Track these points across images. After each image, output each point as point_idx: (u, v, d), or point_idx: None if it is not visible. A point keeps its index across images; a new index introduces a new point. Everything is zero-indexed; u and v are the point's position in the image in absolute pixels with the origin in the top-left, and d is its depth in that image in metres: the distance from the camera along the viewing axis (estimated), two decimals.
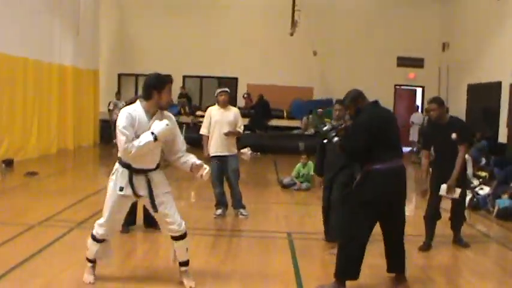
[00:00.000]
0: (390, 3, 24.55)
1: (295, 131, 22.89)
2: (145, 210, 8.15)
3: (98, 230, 5.83)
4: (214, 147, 9.41)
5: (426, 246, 8.13)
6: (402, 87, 26.00)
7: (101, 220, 5.81)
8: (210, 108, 9.64)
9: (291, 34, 22.03)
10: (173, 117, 5.93)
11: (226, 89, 9.64)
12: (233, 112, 9.58)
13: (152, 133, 5.45)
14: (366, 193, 5.92)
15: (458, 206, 8.27)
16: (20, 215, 9.19)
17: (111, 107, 21.45)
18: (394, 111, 24.46)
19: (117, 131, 5.49)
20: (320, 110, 21.18)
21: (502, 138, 18.01)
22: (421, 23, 24.62)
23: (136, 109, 5.61)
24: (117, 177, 5.67)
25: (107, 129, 21.60)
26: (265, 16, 23.92)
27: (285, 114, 23.90)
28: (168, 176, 6.09)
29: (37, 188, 12.35)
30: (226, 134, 9.32)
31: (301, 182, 12.90)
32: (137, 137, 5.48)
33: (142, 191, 5.68)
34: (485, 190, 11.85)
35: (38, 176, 13.48)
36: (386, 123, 6.19)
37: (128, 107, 5.74)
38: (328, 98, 22.20)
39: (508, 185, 11.43)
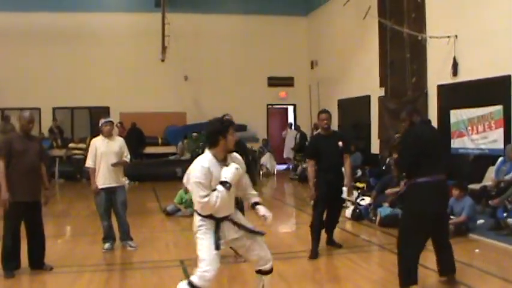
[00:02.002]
0: (257, 25, 25.07)
1: (172, 157, 22.72)
2: (29, 250, 7.81)
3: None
4: (103, 179, 9.11)
5: (315, 255, 8.61)
6: (274, 106, 26.50)
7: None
8: (94, 140, 9.34)
9: (162, 60, 21.96)
10: (239, 156, 5.86)
11: (111, 119, 9.43)
12: (118, 142, 9.38)
13: (225, 182, 5.30)
14: (413, 205, 6.48)
15: (337, 210, 9.25)
16: None
17: None
18: (267, 130, 25.05)
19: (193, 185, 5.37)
20: (195, 134, 21.16)
21: (374, 149, 18.80)
22: (289, 43, 25.44)
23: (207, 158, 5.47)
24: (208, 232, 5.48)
25: None
26: (135, 43, 23.66)
27: (159, 140, 23.67)
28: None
29: None
30: (114, 165, 9.08)
31: (185, 208, 12.74)
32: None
33: (233, 234, 5.63)
34: (366, 200, 12.32)
35: None
36: (432, 141, 6.63)
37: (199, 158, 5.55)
38: (202, 122, 22.23)
39: (385, 194, 11.84)
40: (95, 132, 22.96)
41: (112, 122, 9.41)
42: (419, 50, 16.05)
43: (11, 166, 7.47)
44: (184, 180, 5.34)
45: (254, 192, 5.98)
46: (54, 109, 23.73)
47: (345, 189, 9.24)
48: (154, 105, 23.67)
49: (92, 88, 23.46)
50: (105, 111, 23.76)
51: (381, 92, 18.51)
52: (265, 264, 5.80)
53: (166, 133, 23.69)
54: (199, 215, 5.48)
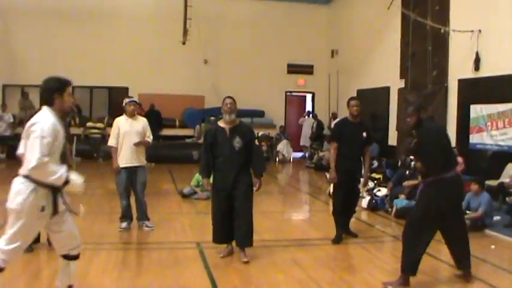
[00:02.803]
0: (280, 12, 25.06)
1: (189, 140, 22.79)
2: None
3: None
4: (124, 159, 9.20)
5: (338, 239, 8.81)
6: (293, 93, 26.48)
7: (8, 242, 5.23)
8: (117, 119, 9.40)
9: (183, 43, 21.98)
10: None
11: (135, 99, 9.49)
12: (142, 122, 9.45)
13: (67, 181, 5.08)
14: (432, 199, 6.49)
15: (353, 199, 9.33)
16: None
17: None
18: (285, 117, 25.07)
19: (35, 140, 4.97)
20: (212, 118, 21.13)
21: (392, 141, 18.74)
22: (310, 31, 25.39)
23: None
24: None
25: None
26: (156, 25, 23.65)
27: (177, 123, 23.72)
28: None
29: None
30: (136, 145, 9.15)
31: (201, 191, 12.79)
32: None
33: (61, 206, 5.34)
34: (383, 191, 12.28)
35: None
36: (445, 138, 6.82)
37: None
38: (220, 106, 22.21)
39: (401, 186, 11.82)
40: (113, 111, 23.29)
41: (136, 102, 9.45)
42: (441, 43, 15.94)
43: None
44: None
45: None
46: (73, 88, 23.67)
47: (362, 180, 9.31)
48: (173, 88, 23.71)
49: (112, 68, 23.51)
50: (124, 91, 23.91)
51: (401, 83, 18.42)
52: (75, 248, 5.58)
53: (184, 116, 23.72)
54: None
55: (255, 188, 7.73)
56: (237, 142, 7.56)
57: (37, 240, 7.77)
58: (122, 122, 9.31)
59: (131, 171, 9.29)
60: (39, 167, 4.87)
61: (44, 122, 5.02)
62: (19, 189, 5.00)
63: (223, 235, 7.77)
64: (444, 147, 6.61)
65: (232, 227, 7.66)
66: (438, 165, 6.49)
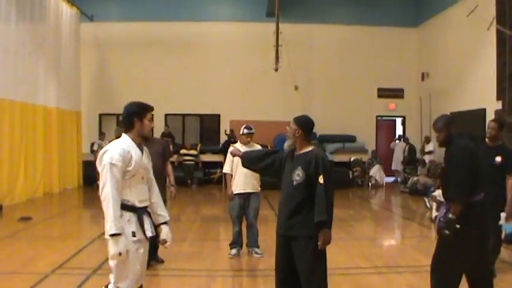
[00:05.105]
0: (368, 36, 24.94)
1: None
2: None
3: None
4: (239, 185, 9.33)
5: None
6: (383, 118, 26.22)
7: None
8: (232, 146, 9.47)
9: (276, 69, 22.11)
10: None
11: (253, 131, 9.63)
12: (257, 149, 9.48)
13: (118, 234, 4.84)
14: (467, 225, 5.70)
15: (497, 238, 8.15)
16: (29, 263, 8.87)
17: (95, 148, 21.21)
18: (376, 142, 24.81)
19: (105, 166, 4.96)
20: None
21: None
22: (399, 54, 25.17)
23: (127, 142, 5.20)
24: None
25: (90, 171, 21.41)
26: (246, 52, 24.08)
27: (269, 148, 23.79)
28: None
29: (35, 234, 11.96)
30: None
31: None
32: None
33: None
34: None
35: (33, 220, 13.16)
36: (478, 157, 6.04)
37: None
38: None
39: None
40: (205, 138, 23.60)
41: (252, 133, 9.62)
42: None
43: None
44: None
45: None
46: (166, 115, 24.33)
47: (503, 214, 7.94)
48: (264, 114, 23.85)
49: (204, 95, 24.06)
50: (215, 118, 24.31)
51: (498, 105, 17.92)
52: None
53: (276, 141, 23.81)
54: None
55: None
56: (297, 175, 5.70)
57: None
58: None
59: (244, 197, 9.38)
60: (106, 198, 4.86)
61: (113, 148, 5.01)
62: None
63: None
64: (478, 167, 5.91)
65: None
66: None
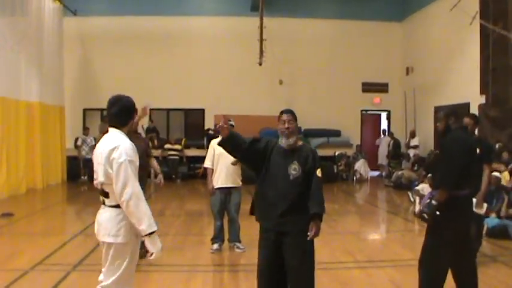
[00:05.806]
0: (353, 30, 24.99)
1: None
2: None
3: None
4: (220, 180, 9.29)
5: None
6: (368, 112, 26.24)
7: None
8: (213, 141, 9.45)
9: (260, 64, 22.06)
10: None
11: (232, 123, 9.52)
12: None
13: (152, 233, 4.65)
14: (453, 219, 5.90)
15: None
16: (9, 259, 8.77)
17: (79, 143, 21.12)
18: (361, 136, 24.84)
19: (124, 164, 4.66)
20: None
21: None
22: (384, 48, 25.23)
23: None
24: None
25: (74, 167, 21.28)
26: (231, 47, 24.04)
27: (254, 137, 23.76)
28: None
29: (17, 230, 11.86)
30: (234, 163, 9.12)
31: None
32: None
33: None
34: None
35: (14, 217, 13.04)
36: (472, 152, 6.18)
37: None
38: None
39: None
40: (190, 133, 23.55)
41: (232, 126, 9.40)
42: None
43: None
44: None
45: None
46: (150, 110, 24.15)
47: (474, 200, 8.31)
48: (249, 108, 23.76)
49: (188, 90, 24.01)
50: (200, 113, 24.26)
51: (482, 99, 17.99)
52: None
53: (261, 136, 23.77)
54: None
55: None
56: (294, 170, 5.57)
57: None
58: (217, 144, 9.32)
59: (226, 192, 9.35)
60: (133, 197, 4.60)
61: (124, 145, 4.72)
62: (118, 220, 4.73)
63: None
64: (470, 160, 6.02)
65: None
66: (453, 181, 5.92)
